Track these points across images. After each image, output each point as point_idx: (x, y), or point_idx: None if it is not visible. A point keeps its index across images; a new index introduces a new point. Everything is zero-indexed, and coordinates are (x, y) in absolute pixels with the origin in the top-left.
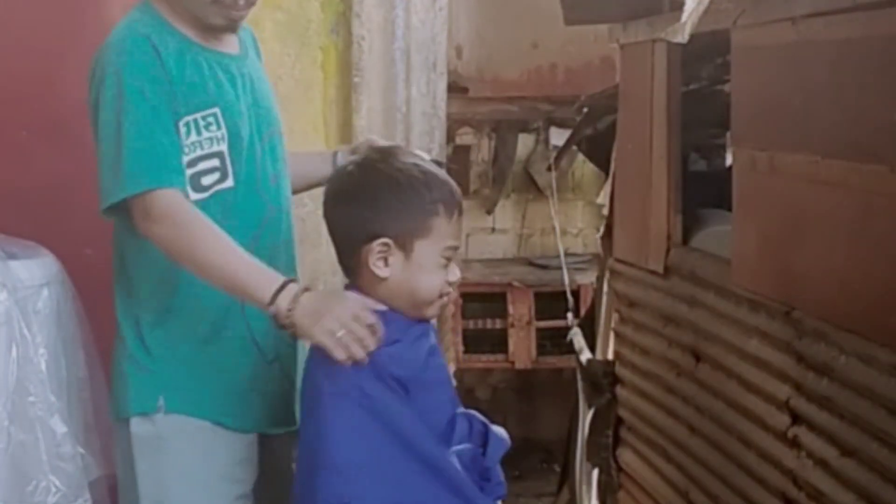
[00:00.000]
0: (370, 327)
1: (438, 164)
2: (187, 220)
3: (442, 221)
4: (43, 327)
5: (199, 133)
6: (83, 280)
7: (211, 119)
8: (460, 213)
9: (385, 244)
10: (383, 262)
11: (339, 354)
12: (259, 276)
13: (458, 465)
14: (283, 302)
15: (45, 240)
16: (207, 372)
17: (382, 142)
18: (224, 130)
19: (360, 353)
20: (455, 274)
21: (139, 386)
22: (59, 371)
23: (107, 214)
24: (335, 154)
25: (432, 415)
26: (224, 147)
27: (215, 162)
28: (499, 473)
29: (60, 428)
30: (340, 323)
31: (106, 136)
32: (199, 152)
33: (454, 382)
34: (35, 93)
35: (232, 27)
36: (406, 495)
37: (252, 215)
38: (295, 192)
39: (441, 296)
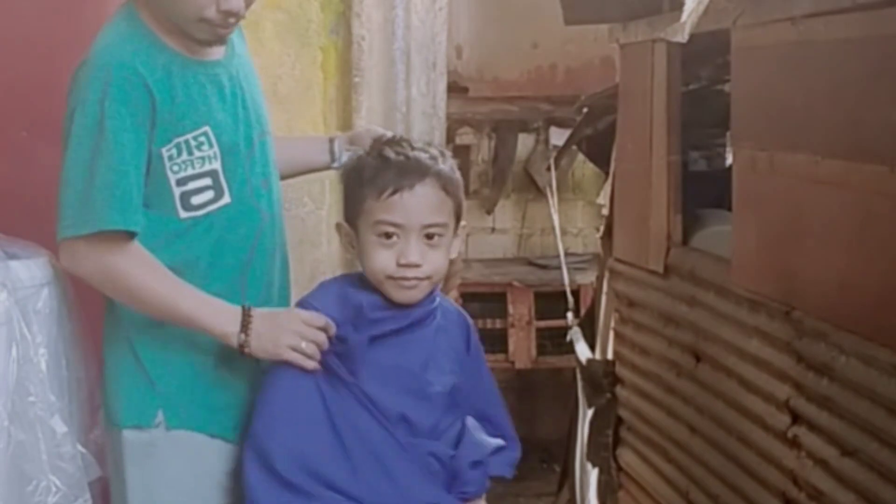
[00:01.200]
0: (323, 328)
1: (439, 154)
2: (145, 267)
3: (372, 199)
4: (43, 327)
5: (189, 153)
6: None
7: (202, 138)
8: (400, 190)
9: (343, 228)
10: (349, 245)
11: (309, 364)
12: (217, 310)
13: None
14: (240, 334)
15: (45, 240)
16: (204, 385)
17: (380, 130)
18: (216, 148)
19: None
20: (406, 256)
21: (135, 397)
22: (59, 371)
23: (63, 240)
24: (332, 140)
25: (380, 400)
26: (217, 165)
27: (207, 181)
28: (473, 477)
29: (60, 428)
30: (299, 335)
31: (77, 162)
32: (189, 171)
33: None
34: (35, 93)
35: (219, 42)
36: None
37: (249, 227)
38: (286, 177)
39: (393, 277)
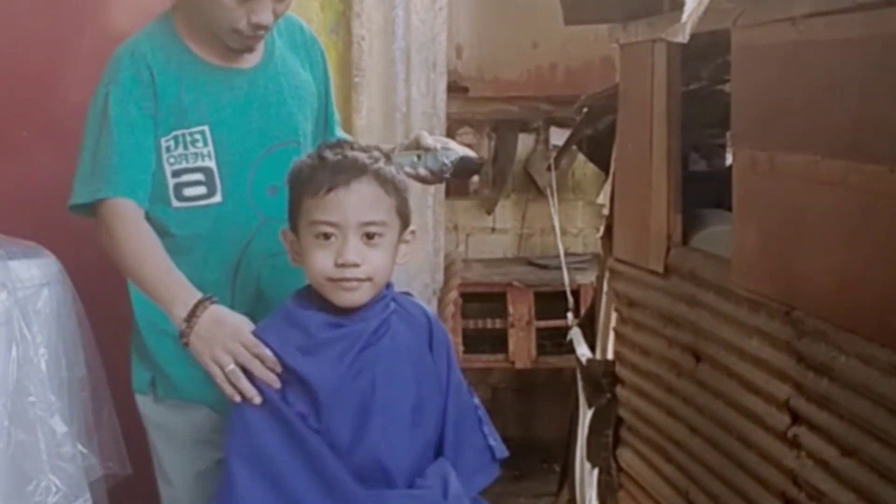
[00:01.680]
0: (259, 356)
1: (382, 156)
2: (125, 230)
3: (308, 198)
4: (43, 327)
5: (185, 147)
6: (83, 280)
7: (198, 136)
8: (335, 188)
9: (287, 235)
10: (294, 252)
11: (227, 389)
12: (175, 291)
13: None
14: (183, 321)
15: (45, 240)
16: (191, 358)
17: (430, 138)
18: (211, 148)
19: (248, 391)
20: (343, 255)
21: (138, 366)
22: (59, 371)
23: (73, 210)
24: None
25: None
26: (212, 163)
27: (199, 176)
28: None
29: (60, 428)
30: (231, 353)
31: (87, 142)
32: (183, 164)
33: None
34: (35, 93)
35: (248, 50)
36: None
37: (241, 229)
38: None
39: (333, 279)
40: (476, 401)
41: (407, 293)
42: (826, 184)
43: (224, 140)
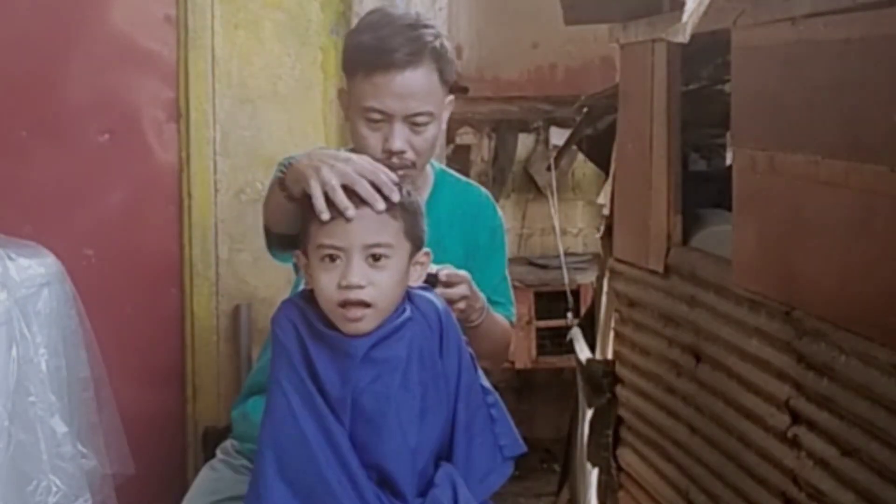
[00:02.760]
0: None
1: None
2: None
3: (315, 224)
4: (43, 327)
5: None
6: (83, 280)
7: None
8: (343, 215)
9: (300, 259)
10: (308, 274)
11: (318, 204)
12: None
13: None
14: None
15: (45, 240)
16: None
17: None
18: None
19: (342, 203)
20: (346, 277)
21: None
22: (59, 371)
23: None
24: None
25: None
26: None
27: None
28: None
29: (61, 428)
30: (339, 175)
31: None
32: None
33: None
34: (35, 93)
35: None
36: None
37: None
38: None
39: (338, 302)
40: (492, 398)
41: (426, 287)
42: (826, 184)
43: None
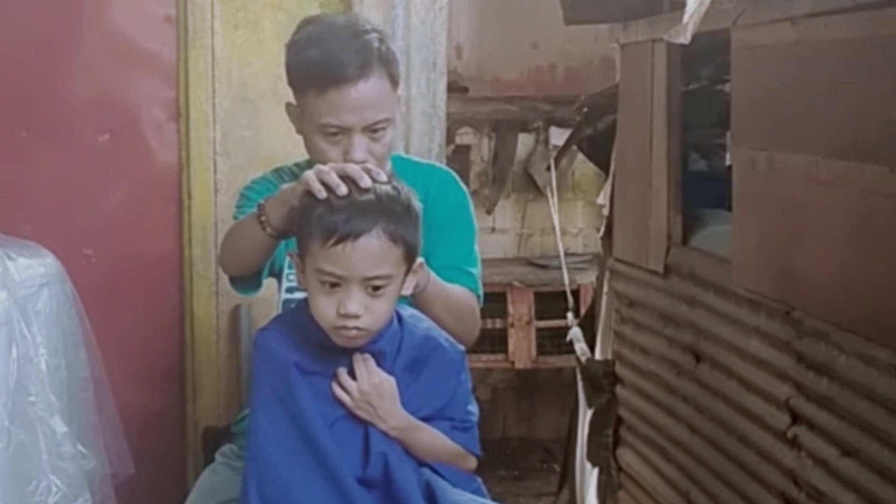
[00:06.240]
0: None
1: (393, 190)
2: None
3: (316, 245)
4: (43, 327)
5: None
6: (83, 280)
7: None
8: (343, 241)
9: (295, 259)
10: (301, 274)
11: (314, 185)
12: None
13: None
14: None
15: (45, 240)
16: None
17: None
18: None
19: (333, 181)
20: (345, 306)
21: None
22: (59, 371)
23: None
24: None
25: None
26: None
27: None
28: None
29: (61, 428)
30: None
31: None
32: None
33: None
34: (35, 93)
35: None
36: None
37: None
38: None
39: (335, 326)
40: (470, 408)
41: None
42: (826, 184)
43: None
